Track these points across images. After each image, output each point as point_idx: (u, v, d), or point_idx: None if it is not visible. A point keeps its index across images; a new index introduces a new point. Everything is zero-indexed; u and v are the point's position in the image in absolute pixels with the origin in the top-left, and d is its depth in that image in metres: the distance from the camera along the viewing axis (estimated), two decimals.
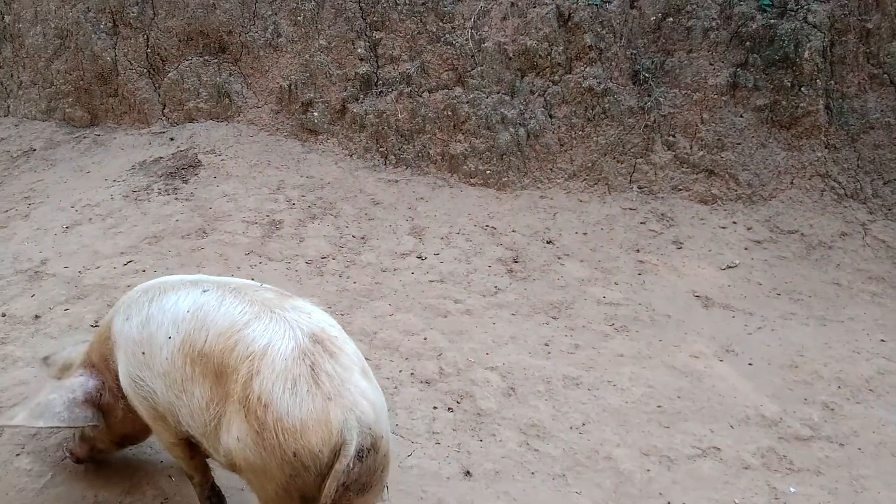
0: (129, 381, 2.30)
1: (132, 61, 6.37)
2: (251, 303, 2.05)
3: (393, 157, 5.73)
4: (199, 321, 2.07)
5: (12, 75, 6.99)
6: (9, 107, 7.03)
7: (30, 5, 6.78)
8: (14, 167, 6.23)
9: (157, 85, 6.36)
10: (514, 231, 4.98)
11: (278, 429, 1.77)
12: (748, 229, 4.90)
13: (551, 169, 5.47)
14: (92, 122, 6.63)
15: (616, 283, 4.41)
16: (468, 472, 2.91)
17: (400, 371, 3.58)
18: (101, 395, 2.43)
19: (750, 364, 3.69)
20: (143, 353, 2.20)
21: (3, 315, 4.06)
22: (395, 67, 5.78)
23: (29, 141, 6.54)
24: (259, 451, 1.82)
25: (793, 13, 5.20)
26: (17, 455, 3.07)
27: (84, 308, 4.07)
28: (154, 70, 6.35)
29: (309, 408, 1.78)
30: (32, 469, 2.99)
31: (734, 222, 4.97)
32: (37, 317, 4.02)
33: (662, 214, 5.06)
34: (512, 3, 5.58)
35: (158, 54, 6.31)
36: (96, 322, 3.96)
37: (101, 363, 2.45)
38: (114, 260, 4.49)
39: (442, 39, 5.65)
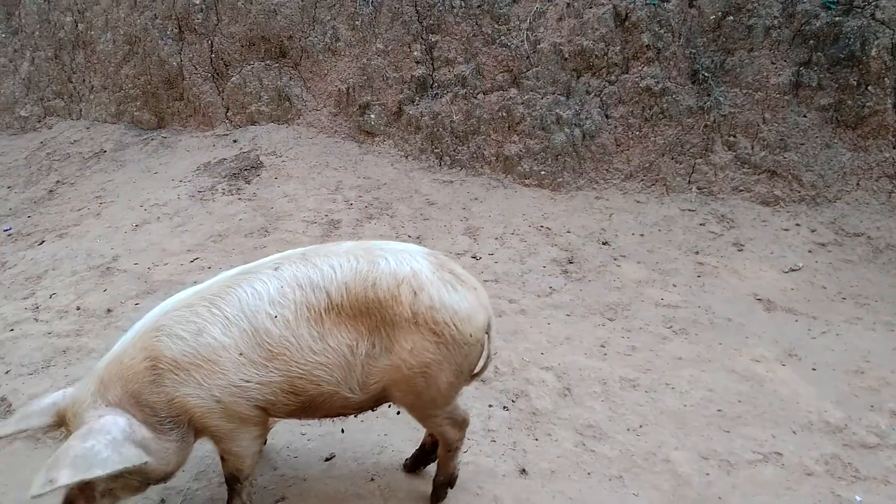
0: (225, 393, 2.23)
1: (197, 66, 6.60)
2: (347, 254, 2.31)
3: (448, 157, 5.79)
4: (306, 288, 2.24)
5: (84, 80, 7.32)
6: (81, 110, 7.37)
7: (101, 13, 7.09)
8: (86, 168, 6.52)
9: (220, 89, 6.57)
10: (569, 232, 4.97)
11: (455, 321, 2.24)
12: (812, 231, 4.77)
13: (607, 169, 5.43)
14: (159, 125, 6.89)
15: (674, 286, 4.36)
16: (524, 471, 2.92)
17: None
18: (133, 431, 2.19)
19: (814, 369, 3.60)
20: (241, 353, 2.20)
21: (78, 308, 4.26)
22: (451, 70, 5.83)
23: (100, 143, 6.84)
24: (438, 346, 2.25)
25: (859, 10, 5.05)
26: None
27: (153, 303, 4.22)
28: (218, 74, 6.56)
29: (470, 299, 2.29)
30: None
31: (797, 224, 4.85)
32: (109, 310, 4.21)
33: (723, 216, 4.97)
34: (568, 4, 5.57)
35: (222, 59, 6.52)
36: None
37: (128, 401, 2.23)
38: (181, 257, 4.66)
39: (497, 41, 5.68)
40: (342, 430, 3.10)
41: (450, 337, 2.25)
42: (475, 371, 2.47)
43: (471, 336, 2.29)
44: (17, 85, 7.60)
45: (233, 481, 2.51)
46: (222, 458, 2.47)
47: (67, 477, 1.96)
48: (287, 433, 3.18)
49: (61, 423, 2.27)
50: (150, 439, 2.21)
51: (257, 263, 2.37)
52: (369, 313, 2.24)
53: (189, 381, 2.21)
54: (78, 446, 2.05)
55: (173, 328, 2.22)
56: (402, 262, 2.28)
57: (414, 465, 2.87)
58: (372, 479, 2.84)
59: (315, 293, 2.23)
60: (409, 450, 2.95)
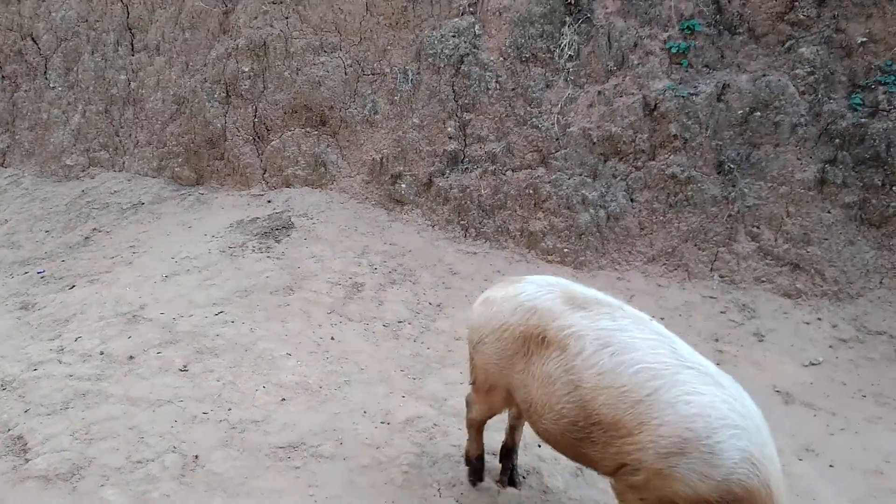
0: None
1: (240, 129, 6.88)
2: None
3: (473, 230, 5.90)
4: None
5: (130, 135, 7.65)
6: (124, 163, 7.67)
7: (153, 74, 7.47)
8: (123, 218, 6.74)
9: (260, 151, 6.83)
10: None
11: None
12: (833, 327, 4.74)
13: (630, 252, 5.50)
14: (197, 182, 7.14)
15: None
16: None
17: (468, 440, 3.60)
18: None
19: (831, 466, 3.53)
20: None
21: (101, 353, 4.35)
22: (482, 146, 6.02)
23: (139, 195, 7.09)
24: None
25: (885, 113, 5.16)
26: (102, 486, 3.25)
27: (175, 352, 4.32)
28: (259, 138, 6.84)
29: None
30: (115, 500, 3.16)
31: (819, 318, 4.83)
32: (131, 357, 4.29)
33: (744, 305, 4.98)
34: (599, 92, 5.77)
35: (264, 124, 6.80)
36: (185, 366, 4.18)
37: None
38: (206, 309, 4.75)
39: (528, 122, 5.87)
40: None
41: None
42: None
43: None
44: (67, 135, 7.96)
45: None
46: None
47: None
48: (295, 494, 3.18)
49: None
50: None
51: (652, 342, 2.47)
52: None
53: None
54: None
55: None
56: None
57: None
58: None
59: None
60: None
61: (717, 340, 4.65)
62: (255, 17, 6.85)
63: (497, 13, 6.06)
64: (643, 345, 2.38)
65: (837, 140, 5.23)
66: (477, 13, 6.17)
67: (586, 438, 2.44)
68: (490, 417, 3.11)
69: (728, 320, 4.85)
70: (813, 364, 4.42)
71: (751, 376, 4.30)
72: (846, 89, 5.32)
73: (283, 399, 3.91)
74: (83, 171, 7.84)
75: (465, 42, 6.11)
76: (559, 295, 2.66)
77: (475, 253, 5.69)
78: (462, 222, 5.95)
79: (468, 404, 3.19)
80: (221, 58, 6.96)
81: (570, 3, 5.93)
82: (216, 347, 4.37)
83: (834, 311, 4.87)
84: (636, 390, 2.30)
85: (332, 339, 4.54)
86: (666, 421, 2.23)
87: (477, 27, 6.13)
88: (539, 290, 2.73)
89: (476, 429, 3.20)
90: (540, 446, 3.51)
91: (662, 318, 4.88)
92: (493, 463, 3.39)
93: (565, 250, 5.56)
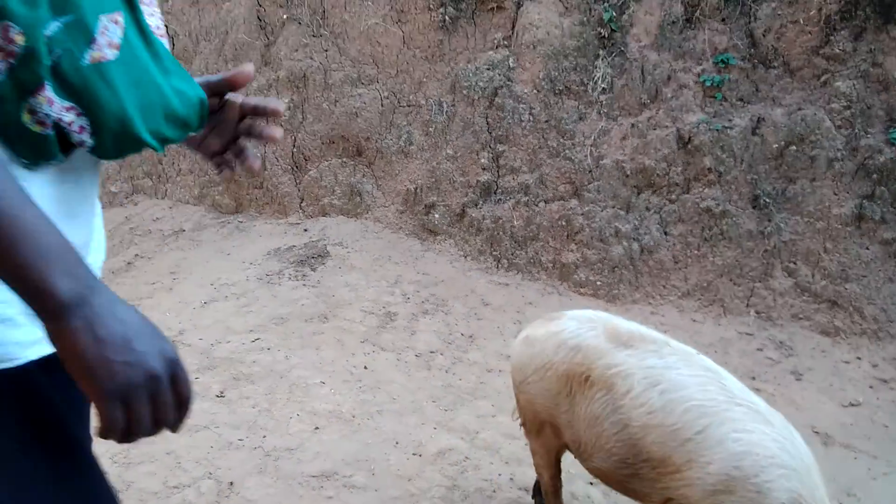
0: None
1: (279, 158, 7.05)
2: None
3: (506, 261, 5.93)
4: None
5: (173, 164, 7.88)
6: (166, 191, 7.89)
7: None
8: (164, 244, 6.92)
9: (297, 181, 6.98)
10: None
11: None
12: (874, 366, 4.65)
13: (664, 286, 5.47)
14: (236, 210, 7.31)
15: None
16: None
17: (499, 475, 3.60)
18: None
19: None
20: None
21: None
22: (515, 178, 6.07)
23: (180, 222, 7.27)
24: None
25: None
26: None
27: (212, 378, 4.40)
28: (297, 167, 6.99)
29: None
30: None
31: (858, 357, 4.74)
32: None
33: (781, 342, 4.91)
34: (632, 125, 5.79)
35: (303, 154, 6.96)
36: (221, 392, 4.27)
37: None
38: (243, 336, 4.85)
39: (561, 154, 5.92)
40: None
41: None
42: None
43: None
44: (112, 164, 8.22)
45: None
46: None
47: None
48: None
49: None
50: None
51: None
52: None
53: None
54: None
55: None
56: None
57: None
58: None
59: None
60: None
61: (753, 378, 4.59)
62: (296, 50, 7.04)
63: (531, 46, 6.14)
64: (692, 381, 2.36)
65: (875, 175, 5.17)
66: (511, 46, 6.26)
67: (635, 475, 2.44)
68: (557, 468, 2.99)
69: (765, 358, 4.78)
70: (853, 405, 4.34)
71: (788, 416, 4.18)
72: (883, 124, 5.27)
73: (317, 427, 3.96)
74: (126, 197, 8.09)
75: (499, 75, 6.20)
76: (602, 332, 2.64)
77: (507, 284, 5.71)
78: (494, 253, 5.99)
79: (537, 469, 3.10)
80: (263, 89, 7.15)
81: (603, 37, 5.99)
82: (252, 374, 4.44)
83: (874, 351, 4.77)
84: (687, 428, 2.28)
85: (366, 367, 4.59)
86: (715, 459, 2.21)
87: (511, 60, 6.21)
88: (581, 326, 2.72)
89: (553, 494, 3.05)
90: (592, 483, 3.50)
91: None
92: (525, 499, 3.38)
93: (598, 283, 5.56)
